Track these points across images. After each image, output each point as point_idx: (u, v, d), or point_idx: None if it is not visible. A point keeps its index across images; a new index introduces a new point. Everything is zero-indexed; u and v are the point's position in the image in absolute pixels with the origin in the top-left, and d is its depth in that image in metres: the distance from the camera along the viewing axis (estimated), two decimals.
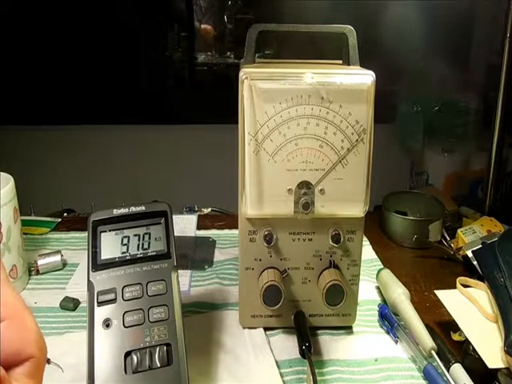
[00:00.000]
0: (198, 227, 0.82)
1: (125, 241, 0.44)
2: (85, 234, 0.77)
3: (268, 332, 0.55)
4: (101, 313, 0.41)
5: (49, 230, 0.80)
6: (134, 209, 0.45)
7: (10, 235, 0.61)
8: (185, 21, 1.69)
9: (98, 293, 0.42)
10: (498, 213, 0.81)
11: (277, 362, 0.51)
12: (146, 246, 0.44)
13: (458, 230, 0.75)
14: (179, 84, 1.74)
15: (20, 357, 0.26)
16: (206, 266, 0.70)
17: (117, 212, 0.45)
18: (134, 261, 0.44)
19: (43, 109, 1.61)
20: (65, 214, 0.91)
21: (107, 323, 0.40)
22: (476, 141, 1.46)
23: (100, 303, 0.41)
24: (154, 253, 0.44)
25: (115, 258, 0.44)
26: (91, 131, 1.58)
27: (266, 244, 0.52)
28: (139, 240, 0.45)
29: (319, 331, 0.56)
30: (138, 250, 0.44)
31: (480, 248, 0.64)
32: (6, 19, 1.53)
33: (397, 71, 1.56)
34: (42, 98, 1.59)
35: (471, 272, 0.66)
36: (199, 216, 0.86)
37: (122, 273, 0.43)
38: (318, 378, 0.47)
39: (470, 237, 0.73)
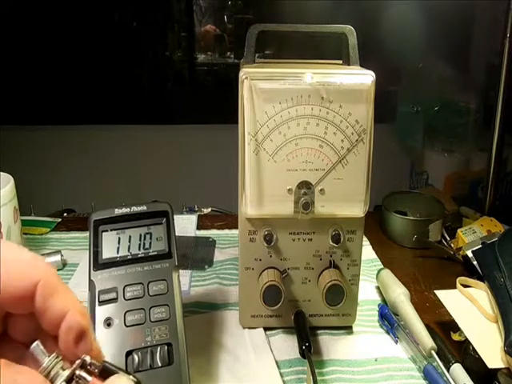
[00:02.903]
0: (198, 227, 0.82)
1: (126, 240, 0.44)
2: (85, 234, 0.77)
3: (268, 332, 0.55)
4: (102, 312, 0.41)
5: (49, 230, 0.80)
6: (135, 208, 0.45)
7: (10, 235, 0.61)
8: (185, 21, 1.69)
9: (99, 292, 0.42)
10: (498, 213, 0.81)
11: (277, 362, 0.51)
12: (147, 245, 0.44)
13: (458, 230, 0.75)
14: (179, 84, 1.74)
15: (24, 295, 0.25)
16: (206, 266, 0.70)
17: (118, 211, 0.45)
18: (135, 260, 0.44)
19: (43, 109, 1.61)
20: (65, 214, 0.91)
21: (108, 322, 0.41)
22: (476, 141, 1.46)
23: (101, 302, 0.41)
24: (155, 253, 0.44)
25: (116, 257, 0.44)
26: (91, 131, 1.58)
27: (266, 244, 0.52)
28: (140, 240, 0.45)
29: (319, 331, 0.56)
30: (139, 249, 0.44)
31: (480, 248, 0.64)
32: (7, 19, 1.53)
33: (397, 71, 1.56)
34: (42, 98, 1.60)
35: (471, 272, 0.66)
36: (199, 216, 0.86)
37: (123, 272, 0.43)
38: (318, 378, 0.47)
39: (470, 237, 0.73)
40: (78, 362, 0.26)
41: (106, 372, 0.26)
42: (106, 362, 0.27)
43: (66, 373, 0.25)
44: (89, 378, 0.26)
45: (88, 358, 0.26)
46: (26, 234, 0.74)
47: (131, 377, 0.26)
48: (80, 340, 0.26)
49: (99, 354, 0.27)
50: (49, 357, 0.25)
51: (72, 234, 0.79)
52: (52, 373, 0.25)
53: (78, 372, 0.26)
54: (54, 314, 0.26)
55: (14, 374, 0.23)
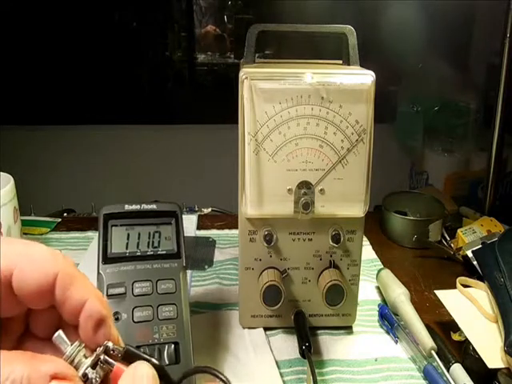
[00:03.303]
0: (198, 227, 0.82)
1: (135, 237, 0.45)
2: (85, 234, 0.77)
3: (268, 332, 0.55)
4: (110, 306, 0.41)
5: (49, 230, 0.80)
6: (145, 206, 0.45)
7: (10, 235, 0.61)
8: (185, 21, 1.69)
9: (108, 285, 0.42)
10: (498, 213, 0.81)
11: (277, 362, 0.51)
12: (156, 244, 0.45)
13: (458, 230, 0.75)
14: (179, 84, 1.74)
15: (45, 288, 0.25)
16: (206, 266, 0.70)
17: (128, 208, 0.45)
18: (144, 257, 0.44)
19: (43, 109, 1.61)
20: (65, 214, 0.91)
21: (116, 317, 0.41)
22: (476, 141, 1.46)
23: (110, 296, 0.41)
24: (164, 252, 0.44)
25: (125, 252, 0.44)
26: (91, 131, 1.58)
27: (266, 244, 0.52)
28: (149, 238, 0.45)
29: (319, 331, 0.56)
30: (148, 247, 0.45)
31: (480, 248, 0.64)
32: (7, 19, 1.53)
33: (397, 71, 1.56)
34: (42, 98, 1.60)
35: (471, 272, 0.66)
36: (199, 216, 0.86)
37: (132, 268, 0.43)
38: (318, 378, 0.47)
39: (470, 237, 0.73)
40: (101, 347, 0.26)
41: (128, 356, 0.26)
42: (129, 345, 0.27)
43: (90, 360, 0.25)
44: (114, 362, 0.26)
45: (110, 344, 0.26)
46: (26, 233, 0.74)
47: (154, 360, 0.26)
48: (99, 327, 0.26)
49: (118, 341, 0.28)
50: (71, 345, 0.25)
51: (72, 233, 0.79)
52: (75, 361, 0.25)
53: (102, 357, 0.26)
54: (74, 303, 0.26)
55: (41, 364, 0.23)
